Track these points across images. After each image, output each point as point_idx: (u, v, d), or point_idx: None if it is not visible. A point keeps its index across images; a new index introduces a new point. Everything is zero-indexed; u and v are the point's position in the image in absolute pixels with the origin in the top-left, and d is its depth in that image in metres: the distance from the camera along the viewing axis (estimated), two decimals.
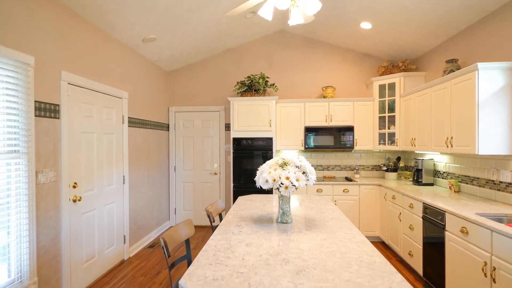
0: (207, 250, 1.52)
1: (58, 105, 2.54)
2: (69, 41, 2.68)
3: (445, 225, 2.48)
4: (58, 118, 2.54)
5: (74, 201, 2.72)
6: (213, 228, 2.29)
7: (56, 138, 2.52)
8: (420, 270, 2.92)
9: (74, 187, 2.73)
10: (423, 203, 2.85)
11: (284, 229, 1.88)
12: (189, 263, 1.86)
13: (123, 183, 3.57)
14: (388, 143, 4.27)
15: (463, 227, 2.23)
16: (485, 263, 1.98)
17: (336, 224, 1.98)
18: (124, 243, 3.57)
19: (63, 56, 2.60)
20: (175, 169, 5.05)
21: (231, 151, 4.36)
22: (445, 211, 2.48)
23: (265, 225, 1.96)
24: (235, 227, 1.93)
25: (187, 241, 1.89)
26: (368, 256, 1.43)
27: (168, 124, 5.05)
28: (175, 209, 5.06)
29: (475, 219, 2.09)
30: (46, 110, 2.40)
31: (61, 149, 2.55)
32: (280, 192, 1.89)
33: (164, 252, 1.60)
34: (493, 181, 2.77)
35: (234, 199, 4.35)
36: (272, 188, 1.89)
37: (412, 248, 3.08)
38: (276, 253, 1.47)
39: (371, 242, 4.14)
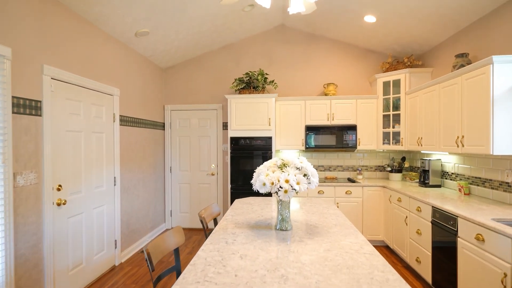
0: (195, 264, 1.34)
1: (40, 101, 2.35)
2: (53, 33, 2.50)
3: (457, 231, 2.29)
4: (40, 115, 2.36)
5: (59, 204, 2.54)
6: (206, 235, 2.11)
7: (38, 137, 2.34)
8: (428, 278, 2.73)
9: (59, 189, 2.55)
10: (432, 206, 2.66)
11: (283, 237, 1.70)
12: (179, 273, 1.68)
13: (114, 184, 3.38)
14: (392, 143, 4.08)
15: (478, 234, 2.05)
16: (505, 275, 1.80)
17: (341, 232, 1.80)
18: (115, 248, 3.38)
19: (46, 49, 2.41)
20: (171, 169, 4.87)
21: (229, 151, 4.18)
22: (457, 216, 2.29)
23: (263, 233, 1.78)
24: (230, 235, 1.75)
25: (176, 251, 1.71)
26: (379, 271, 1.25)
27: (164, 123, 4.86)
28: (171, 211, 4.87)
29: (493, 226, 1.90)
30: (26, 107, 2.22)
31: (44, 149, 2.37)
32: (279, 196, 1.71)
33: (148, 266, 1.41)
34: (507, 183, 2.58)
35: (232, 201, 4.17)
36: (270, 192, 1.70)
37: (420, 254, 2.89)
38: (274, 268, 1.29)
39: (375, 246, 3.96)
